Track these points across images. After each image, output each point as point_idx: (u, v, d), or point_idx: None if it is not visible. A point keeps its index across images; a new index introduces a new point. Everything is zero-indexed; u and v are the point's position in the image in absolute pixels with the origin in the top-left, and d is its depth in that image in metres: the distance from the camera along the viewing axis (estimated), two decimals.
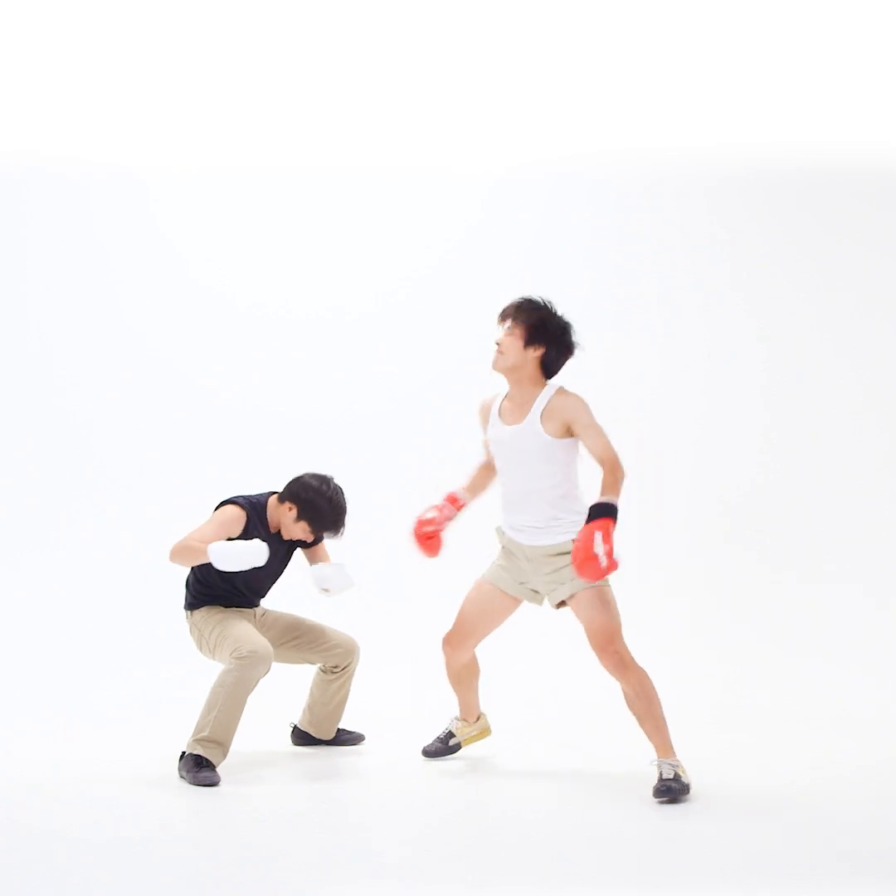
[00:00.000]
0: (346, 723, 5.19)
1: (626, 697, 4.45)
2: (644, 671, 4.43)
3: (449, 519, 4.73)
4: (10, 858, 3.76)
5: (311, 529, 4.83)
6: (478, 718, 4.97)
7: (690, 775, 4.40)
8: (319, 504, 4.79)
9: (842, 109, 7.60)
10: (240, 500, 4.87)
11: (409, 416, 7.50)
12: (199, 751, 4.56)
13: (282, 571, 5.00)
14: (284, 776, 4.75)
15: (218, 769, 4.58)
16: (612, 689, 4.84)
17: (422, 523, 4.72)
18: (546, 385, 4.53)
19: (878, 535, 7.37)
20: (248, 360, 7.64)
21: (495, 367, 4.53)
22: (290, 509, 4.84)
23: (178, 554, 4.66)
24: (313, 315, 7.68)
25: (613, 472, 4.45)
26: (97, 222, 7.70)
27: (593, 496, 4.43)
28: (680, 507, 7.47)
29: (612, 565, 4.24)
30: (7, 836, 4.00)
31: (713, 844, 3.91)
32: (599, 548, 4.22)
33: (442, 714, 5.15)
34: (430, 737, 5.03)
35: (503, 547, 4.67)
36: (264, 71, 7.53)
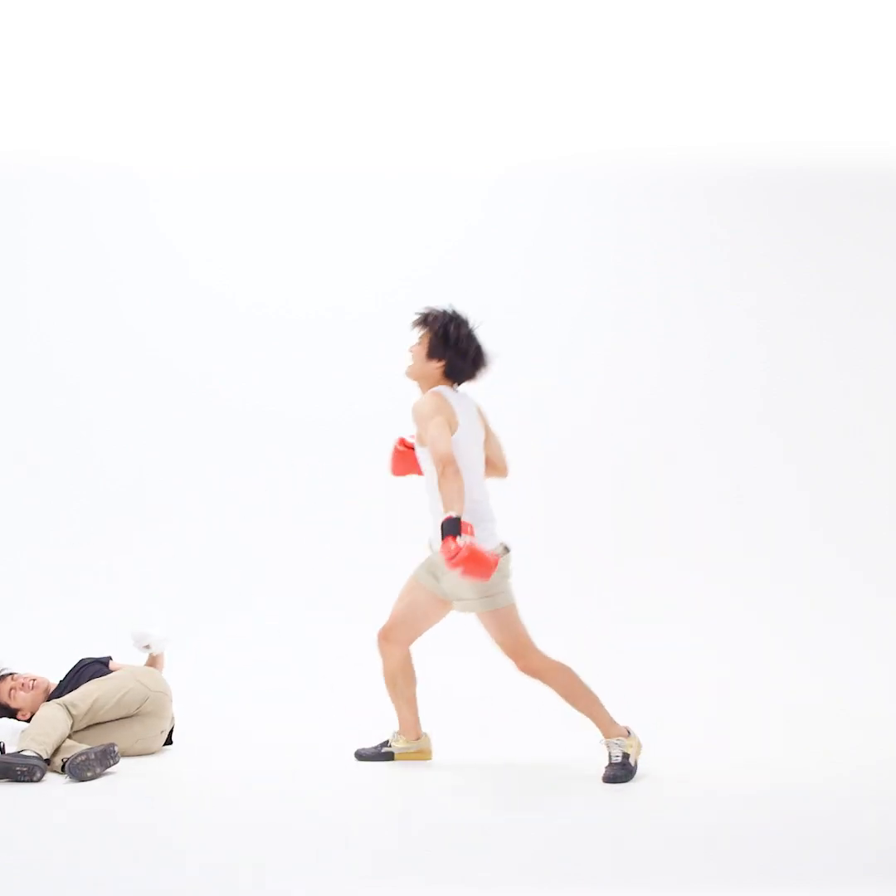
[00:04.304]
0: (347, 722, 5.20)
1: (557, 695, 4.63)
2: (562, 668, 4.59)
3: None
4: (10, 858, 3.76)
5: None
6: (418, 737, 4.95)
7: (639, 747, 4.57)
8: None
9: (842, 109, 7.60)
10: None
11: (409, 416, 7.48)
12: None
13: None
14: (283, 776, 4.75)
15: (217, 769, 4.60)
16: (608, 689, 4.84)
17: (403, 441, 4.85)
18: None
19: (879, 536, 7.36)
20: (248, 360, 7.64)
21: (406, 374, 4.75)
22: None
23: None
24: (313, 315, 7.68)
25: (441, 475, 4.43)
26: (97, 222, 7.69)
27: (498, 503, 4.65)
28: (679, 507, 7.46)
29: (474, 559, 4.23)
30: (7, 836, 4.00)
31: (713, 844, 3.90)
32: (461, 555, 4.23)
33: (441, 713, 5.15)
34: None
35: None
36: (264, 71, 7.53)
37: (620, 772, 4.47)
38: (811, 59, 7.52)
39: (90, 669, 5.29)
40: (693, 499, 7.48)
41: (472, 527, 4.32)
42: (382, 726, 5.17)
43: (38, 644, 6.51)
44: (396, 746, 4.92)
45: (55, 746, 4.77)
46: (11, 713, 5.28)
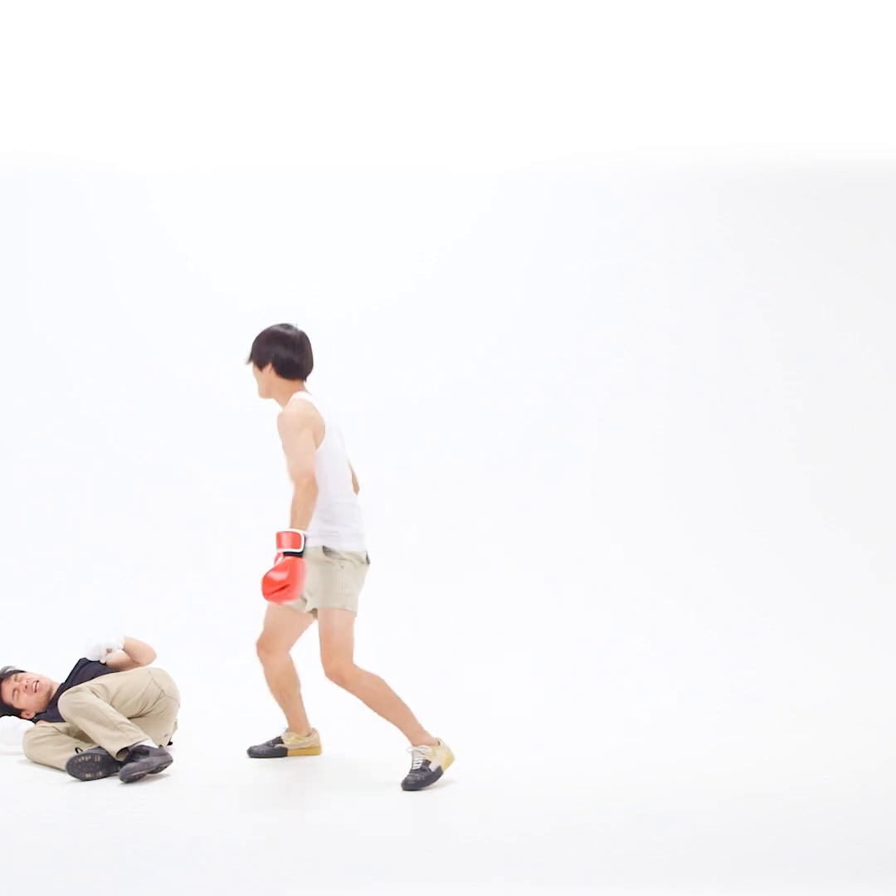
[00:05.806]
0: (346, 723, 5.20)
1: (364, 704, 4.70)
2: (369, 679, 4.65)
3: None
4: (10, 858, 3.75)
5: None
6: (309, 734, 5.19)
7: (449, 758, 4.59)
8: None
9: (854, 108, 7.57)
10: None
11: (409, 415, 7.47)
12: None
13: None
14: (281, 778, 4.76)
15: (217, 769, 4.60)
16: (605, 692, 4.83)
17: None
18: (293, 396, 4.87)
19: (889, 535, 7.31)
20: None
21: (260, 396, 4.99)
22: None
23: None
24: (313, 315, 7.63)
25: (299, 488, 4.55)
26: (98, 223, 7.68)
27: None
28: (687, 506, 7.42)
29: (278, 593, 4.41)
30: (7, 835, 3.99)
31: (714, 844, 3.90)
32: (280, 578, 4.43)
33: (438, 713, 5.12)
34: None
35: None
36: (265, 71, 7.52)
37: (420, 777, 4.55)
38: (823, 59, 7.50)
39: (91, 669, 5.27)
40: (702, 498, 7.42)
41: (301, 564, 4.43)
42: (382, 726, 5.14)
43: (38, 644, 6.50)
44: (288, 742, 5.16)
45: (123, 722, 4.77)
46: (16, 711, 5.25)
